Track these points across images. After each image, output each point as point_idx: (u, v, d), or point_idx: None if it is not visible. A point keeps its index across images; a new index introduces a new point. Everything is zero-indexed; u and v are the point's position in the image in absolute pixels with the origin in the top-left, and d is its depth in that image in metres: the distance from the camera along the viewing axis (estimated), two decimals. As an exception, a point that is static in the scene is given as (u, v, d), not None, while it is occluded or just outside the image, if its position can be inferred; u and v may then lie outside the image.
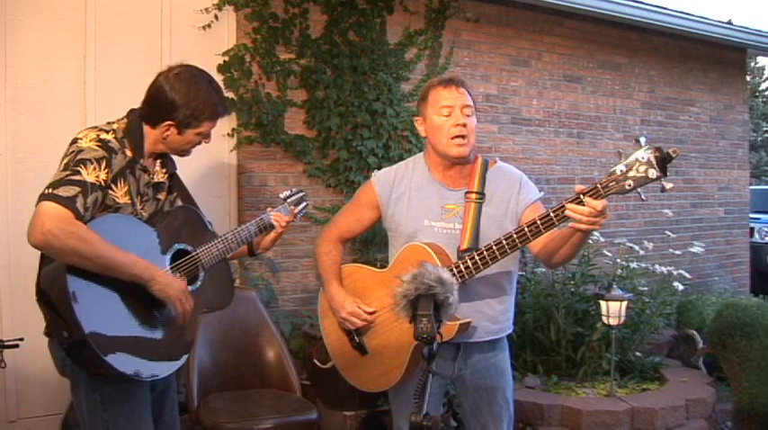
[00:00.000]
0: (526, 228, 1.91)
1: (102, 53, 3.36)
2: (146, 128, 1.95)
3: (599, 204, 1.76)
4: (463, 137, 2.09)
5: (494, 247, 1.96)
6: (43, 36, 3.24)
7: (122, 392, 1.88)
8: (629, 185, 1.74)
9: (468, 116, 2.12)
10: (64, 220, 1.67)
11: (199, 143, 2.02)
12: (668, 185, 1.74)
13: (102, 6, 3.37)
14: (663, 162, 1.71)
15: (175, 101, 1.90)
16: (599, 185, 1.77)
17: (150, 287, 1.81)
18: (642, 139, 1.75)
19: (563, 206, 1.83)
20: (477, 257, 1.98)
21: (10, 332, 2.83)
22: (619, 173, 1.75)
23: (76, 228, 1.68)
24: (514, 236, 1.93)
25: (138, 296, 1.82)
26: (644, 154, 1.72)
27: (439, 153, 2.16)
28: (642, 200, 1.80)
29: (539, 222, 1.89)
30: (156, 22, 3.51)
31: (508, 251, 1.95)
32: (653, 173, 1.71)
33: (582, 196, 1.78)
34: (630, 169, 1.73)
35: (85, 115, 3.25)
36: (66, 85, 3.29)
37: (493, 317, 2.17)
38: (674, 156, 1.71)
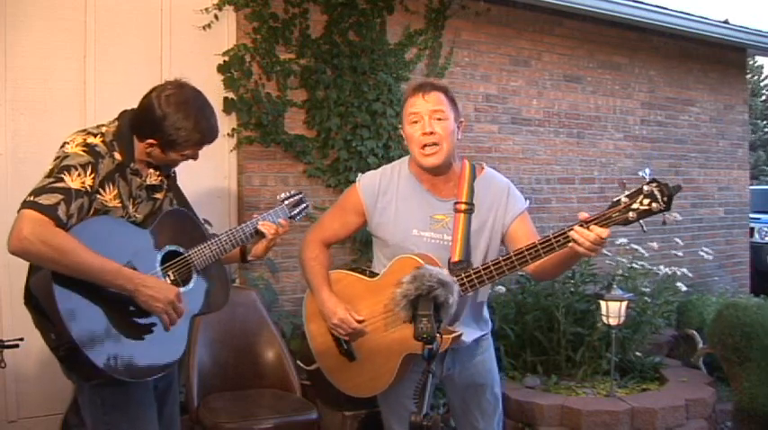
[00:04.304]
0: (526, 252, 1.90)
1: (102, 53, 3.36)
2: (137, 140, 1.93)
3: (604, 232, 1.78)
4: (433, 144, 2.05)
5: (491, 268, 1.95)
6: (43, 36, 3.24)
7: (123, 395, 1.87)
8: (632, 217, 1.75)
9: (439, 120, 2.05)
10: (42, 229, 1.66)
11: (185, 160, 1.99)
12: (670, 218, 1.76)
13: (102, 6, 3.37)
14: (667, 197, 1.72)
15: (162, 122, 1.85)
16: (602, 216, 1.79)
17: (135, 298, 1.80)
18: (647, 171, 1.76)
19: (564, 233, 1.84)
20: (473, 276, 1.98)
21: (10, 332, 2.83)
22: (622, 204, 1.76)
23: (53, 238, 1.66)
24: (513, 258, 1.92)
25: (127, 299, 1.81)
26: (648, 187, 1.73)
27: (415, 160, 2.13)
28: (644, 231, 1.81)
29: (539, 247, 1.88)
30: (156, 22, 3.51)
31: (506, 272, 1.95)
32: (656, 206, 1.72)
33: (586, 224, 1.79)
34: (634, 201, 1.74)
35: (85, 115, 3.25)
36: (66, 85, 3.29)
37: (476, 320, 2.19)
38: (677, 191, 1.72)
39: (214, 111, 1.98)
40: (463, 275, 1.99)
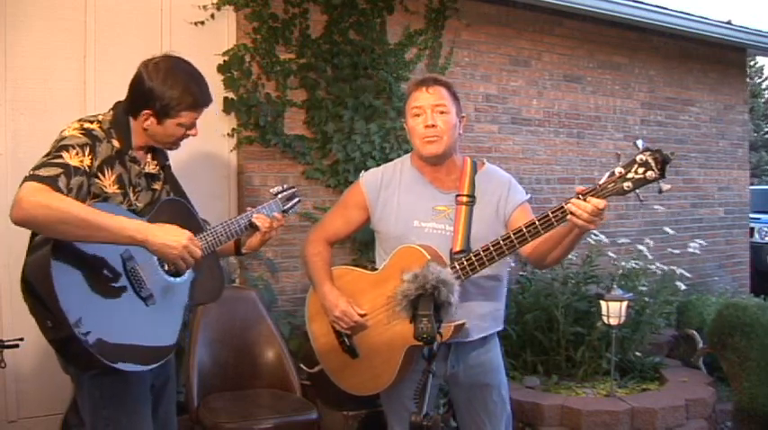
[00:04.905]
0: (524, 229, 1.91)
1: (102, 53, 3.35)
2: (131, 120, 1.93)
3: (601, 203, 1.78)
4: (434, 136, 2.09)
5: (491, 248, 1.97)
6: (43, 36, 3.24)
7: (121, 385, 1.87)
8: (628, 187, 1.76)
9: (441, 114, 2.09)
10: (42, 194, 1.65)
11: (184, 135, 1.98)
12: (665, 187, 1.76)
13: (102, 6, 3.37)
14: (661, 164, 1.73)
15: (152, 89, 1.87)
16: (598, 186, 1.79)
17: (146, 248, 1.79)
18: (640, 142, 1.77)
19: (561, 207, 1.84)
20: (474, 258, 1.99)
21: (10, 332, 2.83)
22: (617, 174, 1.77)
23: (52, 199, 1.65)
24: (512, 237, 1.93)
25: (127, 285, 1.81)
26: (642, 156, 1.74)
27: (417, 153, 2.17)
28: (640, 200, 1.82)
29: (537, 223, 1.89)
30: (156, 22, 3.51)
31: (506, 252, 1.96)
32: (651, 174, 1.73)
33: (583, 196, 1.80)
34: (629, 171, 1.76)
35: (85, 115, 3.25)
36: (66, 85, 3.29)
37: (482, 315, 2.18)
38: (671, 158, 1.73)
39: (205, 79, 1.98)
40: (463, 259, 2.00)
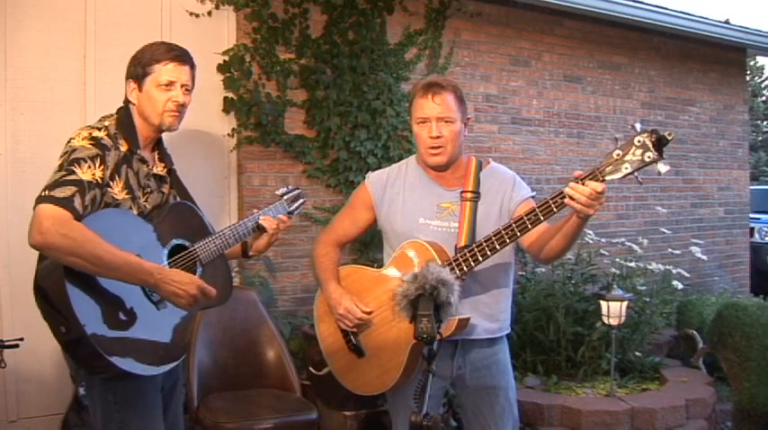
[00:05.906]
0: (525, 217, 1.91)
1: (102, 53, 3.35)
2: (133, 112, 1.93)
3: (599, 186, 1.77)
4: (439, 146, 2.10)
5: (492, 238, 1.97)
6: (43, 36, 3.24)
7: (136, 391, 1.87)
8: (627, 169, 1.75)
9: (446, 124, 2.09)
10: (61, 222, 1.66)
11: (170, 102, 1.91)
12: (664, 169, 1.73)
13: (102, 6, 3.37)
14: (659, 145, 1.72)
15: (132, 61, 1.94)
16: (597, 170, 1.79)
17: (157, 292, 1.80)
18: (638, 125, 1.76)
19: (561, 193, 1.83)
20: (476, 249, 1.99)
21: (10, 332, 2.83)
22: (615, 157, 1.76)
23: (73, 231, 1.66)
24: (513, 225, 1.93)
25: (139, 290, 1.80)
26: (640, 138, 1.73)
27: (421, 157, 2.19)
28: (639, 183, 1.80)
29: (537, 211, 1.89)
30: (157, 22, 3.51)
31: (507, 241, 1.96)
32: (649, 155, 1.72)
33: (581, 180, 1.79)
34: (627, 153, 1.75)
35: (85, 115, 3.25)
36: (66, 85, 3.29)
37: (490, 315, 2.17)
38: (669, 138, 1.72)
39: (185, 48, 2.00)
40: (466, 251, 2.00)
